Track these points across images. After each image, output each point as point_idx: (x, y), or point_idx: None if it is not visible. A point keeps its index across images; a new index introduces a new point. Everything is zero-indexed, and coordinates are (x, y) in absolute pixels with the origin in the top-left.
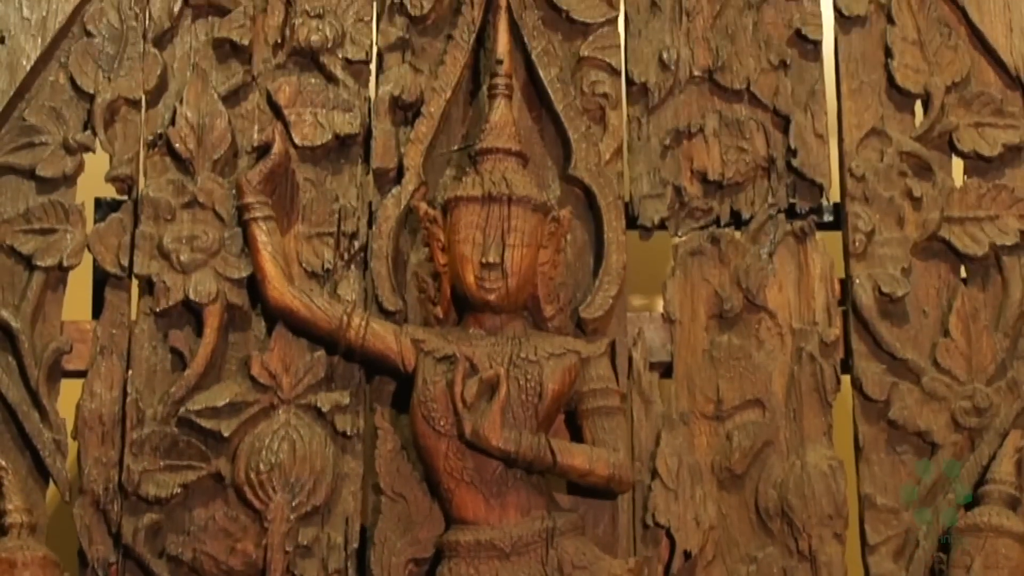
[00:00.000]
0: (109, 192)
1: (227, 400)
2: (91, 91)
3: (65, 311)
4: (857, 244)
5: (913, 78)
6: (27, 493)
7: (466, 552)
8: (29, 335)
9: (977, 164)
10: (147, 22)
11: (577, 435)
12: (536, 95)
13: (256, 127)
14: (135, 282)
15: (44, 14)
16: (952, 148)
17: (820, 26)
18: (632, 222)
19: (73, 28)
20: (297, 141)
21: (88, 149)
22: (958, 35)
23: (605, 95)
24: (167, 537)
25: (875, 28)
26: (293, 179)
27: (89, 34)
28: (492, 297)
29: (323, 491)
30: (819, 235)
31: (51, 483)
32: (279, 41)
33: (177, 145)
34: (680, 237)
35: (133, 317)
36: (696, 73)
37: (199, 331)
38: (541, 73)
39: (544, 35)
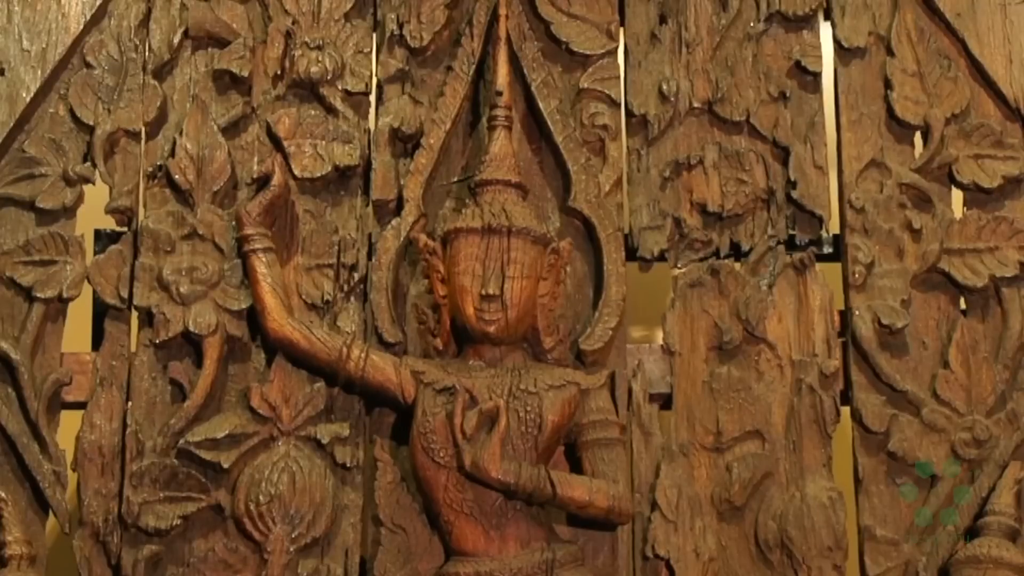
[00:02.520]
0: (109, 224)
1: (227, 432)
2: (91, 123)
3: (65, 343)
4: (857, 276)
5: (913, 110)
6: (27, 524)
7: None
8: (29, 367)
9: (977, 196)
10: (147, 54)
11: (577, 467)
12: (536, 127)
13: (256, 159)
14: (135, 314)
15: (44, 46)
16: (952, 180)
17: (820, 58)
18: (632, 254)
19: (73, 60)
20: (297, 173)
21: (88, 181)
22: (958, 67)
23: (605, 127)
24: (167, 569)
25: (875, 60)
26: (293, 211)
27: (89, 66)
28: (492, 329)
29: (323, 523)
30: (819, 267)
31: (51, 515)
32: (279, 73)
33: (177, 177)
34: (680, 269)
35: (133, 349)
36: (696, 105)
37: (199, 363)
38: (541, 105)
39: (544, 67)
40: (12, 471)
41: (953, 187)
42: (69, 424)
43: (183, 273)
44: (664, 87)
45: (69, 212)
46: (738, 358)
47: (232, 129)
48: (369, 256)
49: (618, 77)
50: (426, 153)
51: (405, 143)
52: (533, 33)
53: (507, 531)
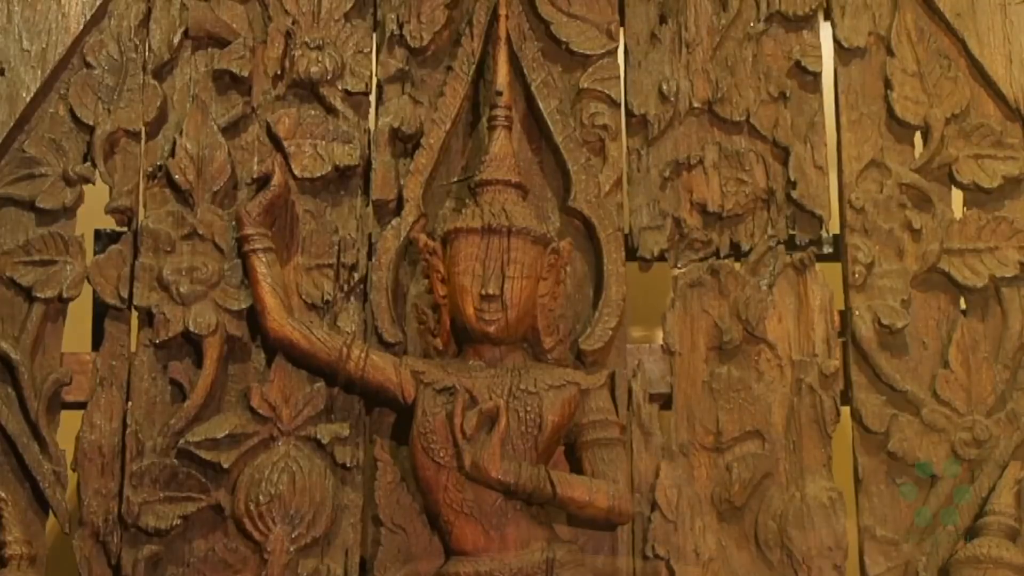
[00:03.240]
0: (109, 224)
1: (227, 432)
2: (91, 123)
3: (65, 343)
4: (857, 276)
5: (913, 110)
6: (27, 524)
7: None
8: (29, 367)
9: (977, 196)
10: (147, 54)
11: (577, 467)
12: (536, 127)
13: (256, 159)
14: (135, 314)
15: (44, 46)
16: (952, 180)
17: (820, 58)
18: (632, 254)
19: (73, 60)
20: (297, 173)
21: (88, 181)
22: (958, 67)
23: (605, 127)
24: (167, 569)
25: (875, 60)
26: (293, 211)
27: (89, 66)
28: (492, 329)
29: (323, 523)
30: (819, 266)
31: (51, 514)
32: (279, 73)
33: (177, 177)
34: (680, 269)
35: (133, 349)
36: (696, 105)
37: (199, 362)
38: (541, 105)
39: (544, 67)
40: (12, 471)
41: (953, 187)
42: (69, 424)
43: (183, 273)
44: (664, 87)
45: (69, 212)
46: (738, 358)
47: (232, 129)
48: (369, 256)
49: (618, 77)
50: (426, 153)
51: (405, 143)
52: (533, 33)
53: (507, 531)
